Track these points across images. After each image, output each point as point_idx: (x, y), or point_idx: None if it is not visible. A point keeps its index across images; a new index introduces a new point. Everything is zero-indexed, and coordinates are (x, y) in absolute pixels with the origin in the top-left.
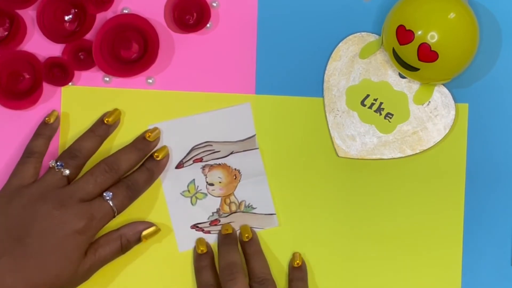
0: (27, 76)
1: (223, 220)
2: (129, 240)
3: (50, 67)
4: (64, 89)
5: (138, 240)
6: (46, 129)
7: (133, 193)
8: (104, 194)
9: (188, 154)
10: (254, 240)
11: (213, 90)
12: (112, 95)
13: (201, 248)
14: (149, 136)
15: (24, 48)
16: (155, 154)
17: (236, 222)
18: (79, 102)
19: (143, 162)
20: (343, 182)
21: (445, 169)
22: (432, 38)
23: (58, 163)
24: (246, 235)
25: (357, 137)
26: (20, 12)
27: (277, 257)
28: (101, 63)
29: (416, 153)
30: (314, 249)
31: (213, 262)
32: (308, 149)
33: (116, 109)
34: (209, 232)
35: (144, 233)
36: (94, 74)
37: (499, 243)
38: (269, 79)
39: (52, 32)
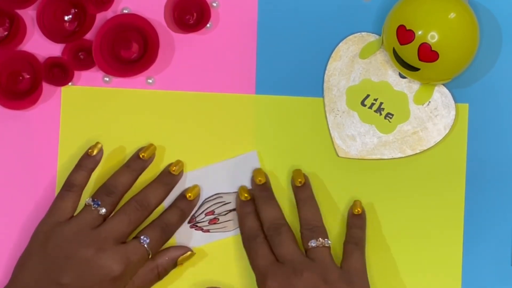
0: (27, 76)
1: (221, 218)
2: (166, 268)
3: (50, 67)
4: (64, 89)
5: (174, 265)
6: (89, 161)
7: (167, 235)
8: (141, 238)
9: (199, 207)
10: (306, 185)
11: (213, 90)
12: (112, 95)
13: (245, 195)
14: (173, 170)
15: (24, 48)
16: (188, 194)
17: (235, 220)
18: (79, 102)
19: (174, 201)
20: (343, 182)
21: (445, 169)
22: (433, 38)
23: (95, 200)
24: (299, 180)
25: (357, 137)
26: (20, 12)
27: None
28: (101, 63)
29: (416, 153)
30: None
31: (255, 209)
32: (308, 149)
33: (151, 144)
34: (208, 231)
35: (180, 258)
36: (94, 74)
37: (499, 243)
38: (269, 79)
39: (52, 32)
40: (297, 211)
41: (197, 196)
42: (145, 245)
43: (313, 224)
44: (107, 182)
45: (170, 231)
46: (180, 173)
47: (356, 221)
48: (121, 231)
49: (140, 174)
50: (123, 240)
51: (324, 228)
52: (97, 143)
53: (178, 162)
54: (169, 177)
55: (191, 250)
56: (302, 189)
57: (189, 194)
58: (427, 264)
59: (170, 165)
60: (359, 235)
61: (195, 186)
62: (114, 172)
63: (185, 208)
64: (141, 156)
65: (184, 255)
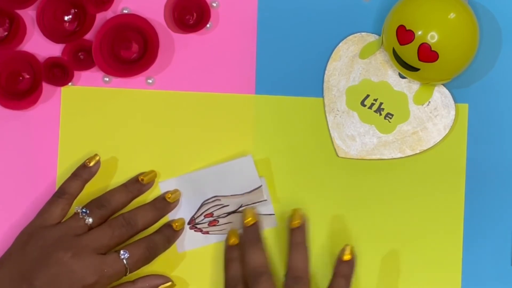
0: (27, 76)
1: (221, 221)
2: None
3: (50, 67)
4: (64, 89)
5: None
6: (84, 172)
7: (151, 255)
8: (121, 252)
9: (198, 209)
10: (302, 229)
11: (213, 90)
12: (112, 95)
13: (233, 239)
14: (169, 197)
15: (24, 48)
16: (174, 224)
17: (235, 223)
18: (79, 102)
19: (161, 228)
20: (343, 182)
21: (445, 169)
22: (432, 38)
23: (83, 210)
24: (297, 221)
25: (357, 137)
26: (20, 12)
27: (275, 257)
28: (101, 63)
29: (416, 153)
30: (313, 249)
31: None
32: (308, 149)
33: (152, 171)
34: (207, 232)
35: (160, 287)
36: (94, 74)
37: (499, 243)
38: (269, 79)
39: (52, 32)
40: (287, 254)
41: (183, 227)
42: (124, 260)
43: (298, 275)
44: (101, 196)
45: (154, 252)
46: (175, 202)
47: (343, 268)
48: (102, 242)
49: (136, 196)
50: (103, 252)
51: (308, 280)
52: (95, 155)
53: (175, 191)
54: (162, 203)
55: (172, 281)
56: (297, 233)
57: (176, 224)
58: (427, 264)
59: (166, 192)
60: (343, 287)
61: (180, 219)
62: (110, 189)
63: (170, 236)
64: (140, 179)
65: (165, 285)
